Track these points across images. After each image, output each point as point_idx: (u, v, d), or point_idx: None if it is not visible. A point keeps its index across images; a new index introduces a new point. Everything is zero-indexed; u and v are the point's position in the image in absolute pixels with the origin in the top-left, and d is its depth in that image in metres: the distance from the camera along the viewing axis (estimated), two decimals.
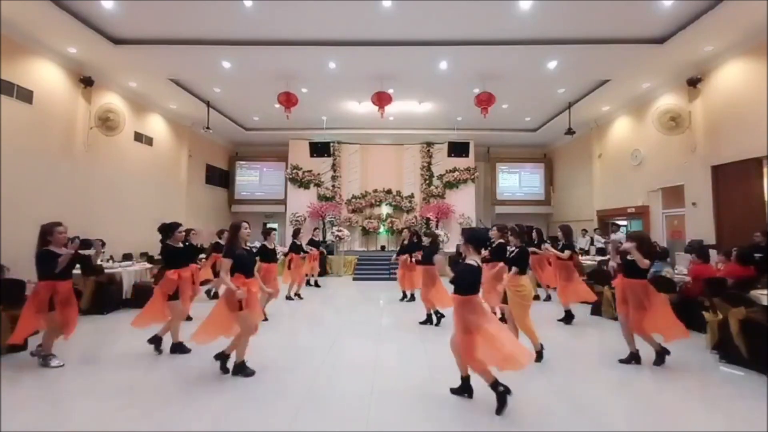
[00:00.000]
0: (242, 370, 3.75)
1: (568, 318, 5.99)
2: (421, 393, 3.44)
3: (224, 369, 3.80)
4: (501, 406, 3.01)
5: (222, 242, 8.04)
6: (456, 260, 3.35)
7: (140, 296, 6.97)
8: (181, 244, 4.72)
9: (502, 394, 3.04)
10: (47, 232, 4.04)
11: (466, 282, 3.19)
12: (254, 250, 4.18)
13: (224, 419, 2.97)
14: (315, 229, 9.85)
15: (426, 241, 6.60)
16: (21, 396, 3.39)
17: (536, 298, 7.44)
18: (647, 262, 4.00)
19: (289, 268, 8.06)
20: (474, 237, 3.33)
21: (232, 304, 3.65)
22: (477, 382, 3.43)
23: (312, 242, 9.29)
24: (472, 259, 3.23)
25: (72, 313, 4.20)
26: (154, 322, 4.50)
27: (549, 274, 7.29)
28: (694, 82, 8.26)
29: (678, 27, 6.89)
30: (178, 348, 4.46)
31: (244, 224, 3.92)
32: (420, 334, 5.45)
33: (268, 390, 3.49)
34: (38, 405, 3.22)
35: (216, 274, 7.74)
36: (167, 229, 4.68)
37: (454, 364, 3.32)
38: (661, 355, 4.10)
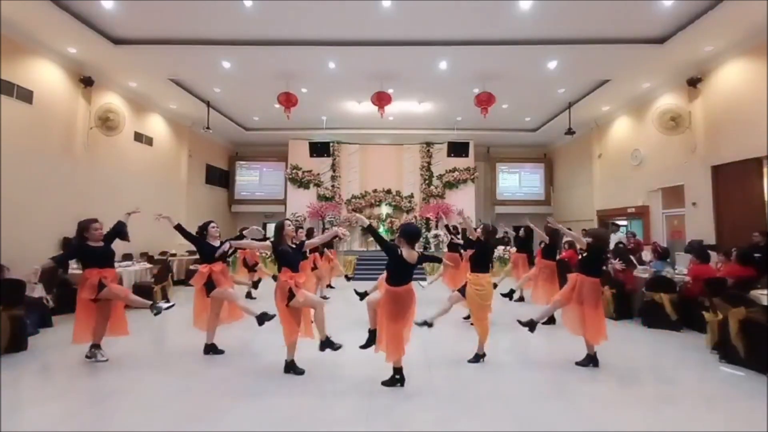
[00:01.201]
0: (330, 345, 3.81)
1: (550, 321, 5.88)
2: (420, 391, 3.43)
3: (334, 346, 3.82)
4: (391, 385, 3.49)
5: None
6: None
7: (140, 296, 6.96)
8: (218, 242, 4.66)
9: (398, 380, 3.49)
10: (84, 229, 4.22)
11: (397, 274, 3.45)
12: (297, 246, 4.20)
13: (224, 419, 2.96)
14: (324, 231, 9.81)
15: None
16: (21, 396, 3.39)
17: (519, 298, 7.43)
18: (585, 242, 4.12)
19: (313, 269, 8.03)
20: (406, 232, 3.50)
21: (283, 294, 3.74)
22: (475, 379, 3.43)
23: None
24: (406, 253, 3.41)
25: (119, 306, 4.30)
26: (214, 323, 4.46)
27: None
28: (694, 82, 8.27)
29: (678, 27, 6.90)
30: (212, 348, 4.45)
31: (287, 222, 4.04)
32: (418, 331, 5.42)
33: (267, 389, 3.49)
34: (38, 405, 3.22)
35: (249, 269, 7.83)
36: (203, 229, 4.69)
37: (453, 361, 3.35)
38: (593, 359, 4.06)
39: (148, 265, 8.07)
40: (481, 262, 4.28)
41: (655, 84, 9.30)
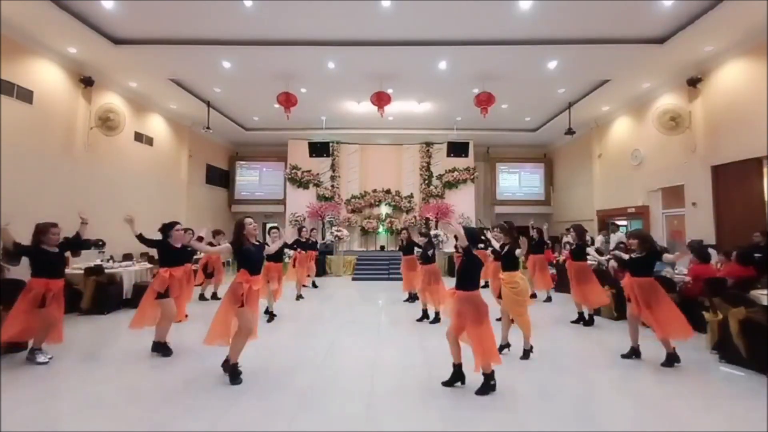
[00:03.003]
0: (233, 372, 3.58)
1: (581, 320, 5.95)
2: (420, 391, 3.44)
3: (236, 379, 3.60)
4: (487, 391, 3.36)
5: (216, 243, 7.99)
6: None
7: (140, 296, 6.96)
8: (179, 244, 4.69)
9: (493, 385, 3.37)
10: (42, 232, 4.15)
11: (476, 277, 3.45)
12: (264, 246, 4.02)
13: (224, 419, 2.96)
14: (312, 230, 9.82)
15: (422, 240, 6.56)
16: (21, 396, 3.39)
17: (533, 296, 7.45)
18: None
19: (294, 266, 8.10)
20: (476, 235, 3.55)
21: (235, 297, 3.55)
22: (477, 378, 3.43)
23: (301, 243, 9.31)
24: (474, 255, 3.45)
25: (57, 314, 4.18)
26: (147, 323, 4.49)
27: (546, 277, 7.31)
28: (694, 82, 8.27)
29: (678, 27, 6.90)
30: (161, 348, 4.38)
31: (248, 219, 3.81)
32: (418, 332, 5.46)
33: (268, 389, 3.49)
34: (38, 404, 3.22)
35: (208, 276, 7.74)
36: (167, 229, 4.70)
37: (452, 361, 3.38)
38: (671, 358, 4.09)
39: (149, 265, 8.06)
40: (512, 261, 4.41)
41: (655, 84, 9.29)
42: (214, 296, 7.85)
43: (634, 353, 4.30)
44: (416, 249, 6.96)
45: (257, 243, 3.86)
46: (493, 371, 3.39)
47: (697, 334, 5.11)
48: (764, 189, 7.15)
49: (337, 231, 12.70)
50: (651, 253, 4.18)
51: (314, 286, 9.65)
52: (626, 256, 4.49)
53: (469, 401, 3.27)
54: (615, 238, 9.70)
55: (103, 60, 8.11)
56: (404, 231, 7.63)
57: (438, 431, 2.85)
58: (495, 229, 4.93)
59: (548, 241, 8.30)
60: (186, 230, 5.35)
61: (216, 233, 8.17)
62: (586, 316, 5.94)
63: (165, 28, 7.17)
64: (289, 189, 14.54)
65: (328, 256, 12.54)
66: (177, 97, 10.55)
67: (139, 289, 7.03)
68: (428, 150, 14.49)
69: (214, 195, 14.51)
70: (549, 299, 7.67)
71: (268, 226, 5.34)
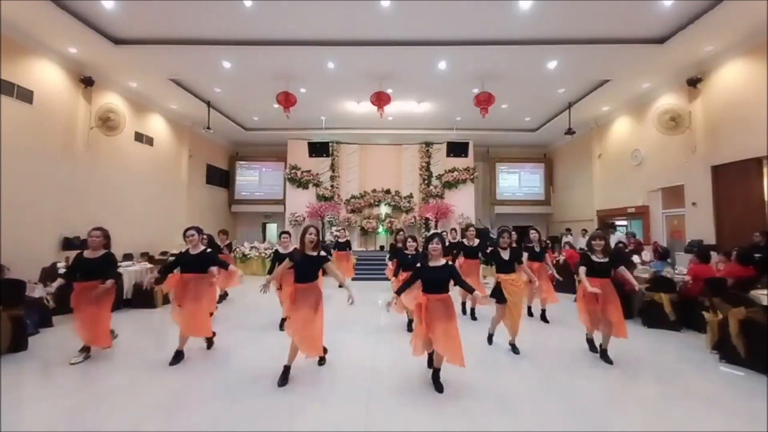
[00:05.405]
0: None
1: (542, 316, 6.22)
2: (420, 391, 3.43)
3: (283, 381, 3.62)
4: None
5: (219, 243, 7.88)
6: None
7: (141, 296, 6.99)
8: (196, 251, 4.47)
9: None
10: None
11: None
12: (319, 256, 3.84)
13: (224, 419, 2.96)
14: (341, 229, 9.71)
15: (412, 246, 5.79)
16: (21, 396, 3.39)
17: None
18: None
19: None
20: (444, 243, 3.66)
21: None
22: (474, 378, 3.42)
23: (338, 244, 9.30)
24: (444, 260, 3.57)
25: (95, 316, 4.14)
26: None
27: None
28: (694, 82, 8.27)
29: (678, 27, 6.90)
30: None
31: (310, 229, 3.79)
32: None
33: (268, 389, 3.49)
34: (38, 405, 3.22)
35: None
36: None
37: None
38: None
39: (149, 266, 8.06)
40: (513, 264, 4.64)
41: (655, 84, 9.30)
42: (225, 295, 7.50)
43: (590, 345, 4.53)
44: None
45: (313, 254, 3.77)
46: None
47: (697, 334, 5.15)
48: (764, 189, 7.15)
49: (337, 231, 12.69)
50: (612, 259, 4.26)
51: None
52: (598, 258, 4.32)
53: (468, 401, 3.27)
54: (614, 238, 9.71)
55: (103, 60, 8.12)
56: (401, 232, 7.17)
57: (437, 431, 2.85)
58: (504, 234, 4.82)
59: (547, 241, 8.34)
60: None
61: (221, 233, 8.12)
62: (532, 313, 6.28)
63: (165, 28, 7.17)
64: (288, 189, 14.54)
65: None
66: (177, 97, 10.56)
67: (140, 289, 7.04)
68: (428, 150, 14.50)
69: (214, 195, 14.52)
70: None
71: (279, 231, 5.21)
